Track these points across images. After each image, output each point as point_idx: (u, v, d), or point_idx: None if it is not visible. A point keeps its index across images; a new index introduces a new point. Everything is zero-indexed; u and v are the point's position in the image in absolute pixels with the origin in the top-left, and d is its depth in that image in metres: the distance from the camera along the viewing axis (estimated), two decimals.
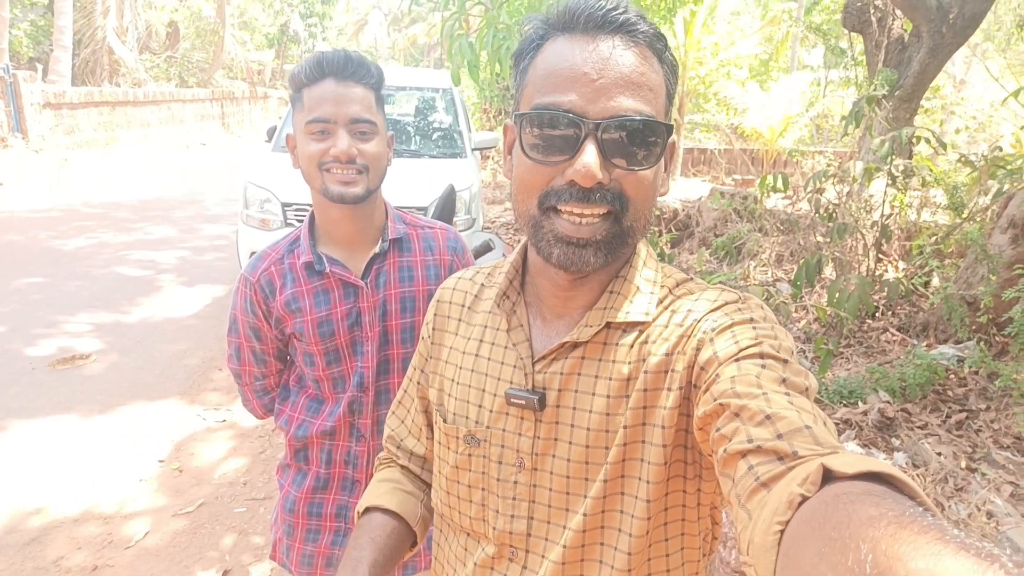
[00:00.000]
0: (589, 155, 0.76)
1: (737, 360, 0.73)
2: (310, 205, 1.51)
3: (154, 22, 22.28)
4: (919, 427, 3.66)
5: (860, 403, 3.78)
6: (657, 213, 7.78)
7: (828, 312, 4.62)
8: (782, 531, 0.53)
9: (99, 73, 19.26)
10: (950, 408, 3.83)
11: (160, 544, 2.97)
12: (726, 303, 0.83)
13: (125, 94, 17.54)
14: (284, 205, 5.09)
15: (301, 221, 1.56)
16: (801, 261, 4.61)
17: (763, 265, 6.23)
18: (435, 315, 1.05)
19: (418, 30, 37.12)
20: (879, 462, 0.53)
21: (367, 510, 1.03)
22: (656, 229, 7.47)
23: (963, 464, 3.32)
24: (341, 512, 1.56)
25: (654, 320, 0.86)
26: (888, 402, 3.74)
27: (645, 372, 0.83)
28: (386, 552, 0.97)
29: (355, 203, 1.41)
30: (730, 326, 0.78)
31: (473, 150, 6.45)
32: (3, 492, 3.28)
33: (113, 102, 16.80)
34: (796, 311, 5.23)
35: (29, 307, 5.70)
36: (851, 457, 0.55)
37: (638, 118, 0.78)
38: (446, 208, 2.75)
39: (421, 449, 1.09)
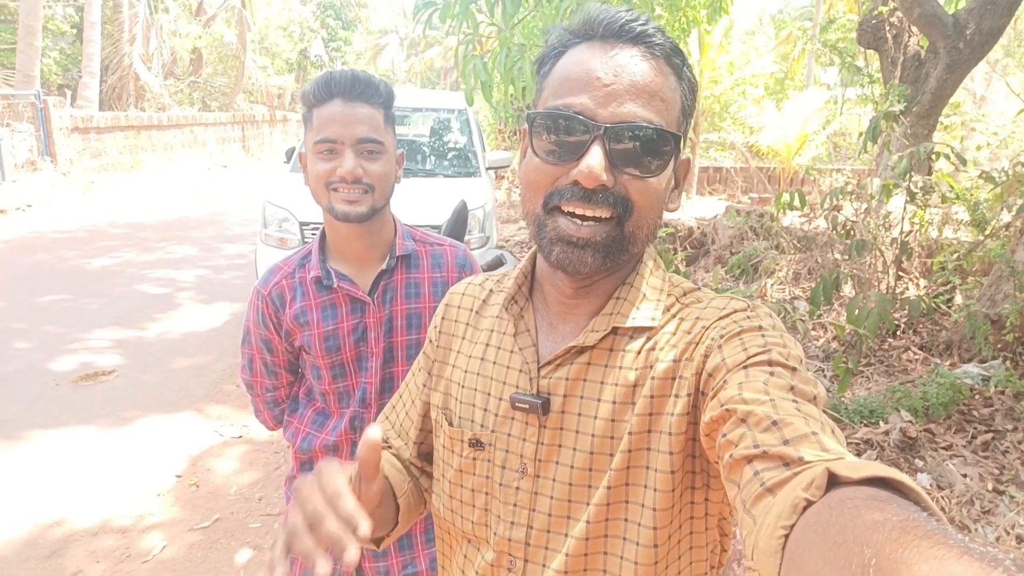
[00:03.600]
0: (594, 157, 0.77)
1: (745, 367, 0.73)
2: None
3: (178, 49, 22.77)
4: (943, 448, 3.59)
5: (882, 423, 3.72)
6: (672, 231, 7.77)
7: (847, 330, 4.57)
8: (787, 536, 0.53)
9: (125, 98, 19.70)
10: (975, 429, 3.76)
11: (176, 558, 2.98)
12: (735, 311, 0.83)
13: (150, 118, 17.91)
14: (302, 224, 5.15)
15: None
16: (819, 279, 4.57)
17: (780, 283, 6.18)
18: (443, 319, 1.05)
19: (434, 54, 37.64)
20: (884, 467, 0.53)
21: None
22: (671, 247, 7.45)
23: (990, 486, 3.25)
24: None
25: (662, 327, 0.86)
26: (911, 422, 3.67)
27: (652, 378, 0.83)
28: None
29: (360, 222, 1.42)
30: (738, 333, 0.78)
31: (487, 169, 6.51)
32: (26, 505, 3.32)
33: (138, 126, 17.16)
34: (814, 329, 5.18)
35: (54, 324, 5.79)
36: (856, 462, 0.55)
37: (647, 126, 0.79)
38: (458, 224, 2.77)
39: (406, 453, 1.06)
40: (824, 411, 0.70)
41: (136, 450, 3.88)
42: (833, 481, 0.54)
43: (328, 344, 1.47)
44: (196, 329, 5.87)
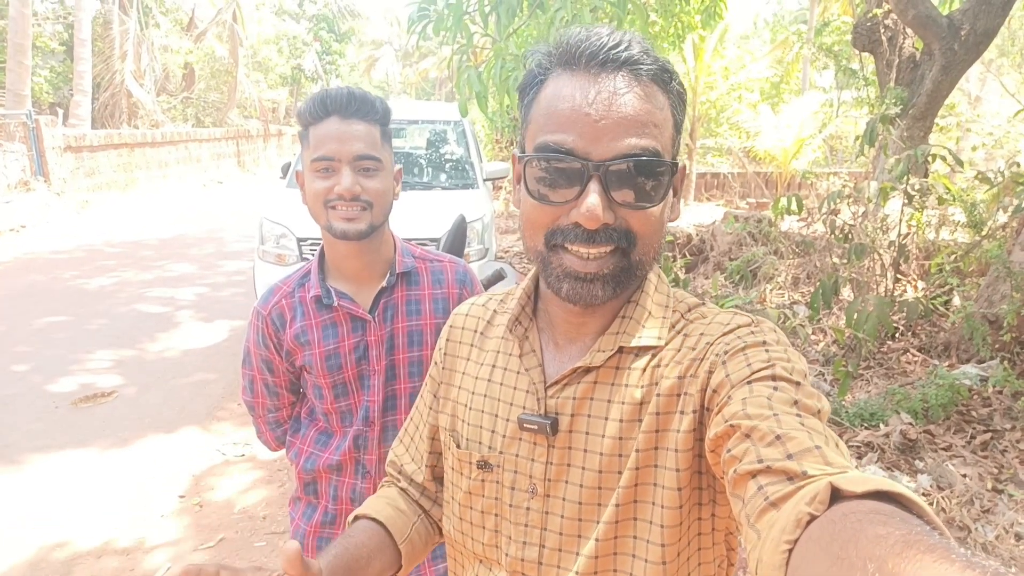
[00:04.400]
0: (593, 198, 0.77)
1: (749, 382, 0.73)
2: None
3: (170, 64, 22.77)
4: (943, 449, 3.60)
5: (882, 425, 3.73)
6: (671, 239, 7.78)
7: (846, 334, 4.58)
8: (790, 550, 0.53)
9: (118, 116, 19.67)
10: (974, 429, 3.77)
11: None
12: (739, 326, 0.83)
13: (143, 135, 17.90)
14: (300, 240, 5.15)
15: (311, 260, 1.57)
16: (818, 283, 4.58)
17: (779, 288, 6.20)
18: (447, 340, 1.06)
19: (428, 64, 37.75)
20: (887, 481, 0.54)
21: (355, 519, 1.01)
22: (670, 255, 7.46)
23: (989, 486, 3.26)
24: None
25: (667, 344, 0.86)
26: (910, 424, 3.68)
27: (658, 396, 0.83)
28: (357, 551, 0.93)
29: (359, 239, 1.41)
30: (743, 349, 0.78)
31: (485, 180, 6.51)
32: (28, 528, 3.30)
33: (132, 144, 17.14)
34: (814, 333, 5.19)
35: (52, 345, 5.78)
36: (859, 476, 0.55)
37: (643, 158, 0.78)
38: (456, 239, 2.76)
39: (420, 476, 1.07)
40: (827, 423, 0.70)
41: (138, 471, 3.86)
42: (836, 495, 0.54)
43: (329, 363, 1.46)
44: (196, 347, 5.86)
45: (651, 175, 0.79)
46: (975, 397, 4.02)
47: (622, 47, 0.79)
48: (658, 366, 0.85)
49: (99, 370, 5.29)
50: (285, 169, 6.52)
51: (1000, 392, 4.00)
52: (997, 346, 4.36)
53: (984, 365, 4.31)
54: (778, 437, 0.64)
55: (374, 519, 0.99)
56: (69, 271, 8.50)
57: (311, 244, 5.11)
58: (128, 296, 7.42)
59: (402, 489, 1.08)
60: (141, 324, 6.45)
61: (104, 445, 4.13)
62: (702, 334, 0.85)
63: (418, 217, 5.06)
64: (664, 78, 0.82)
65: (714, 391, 0.77)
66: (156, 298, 7.38)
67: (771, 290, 6.14)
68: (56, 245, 10.16)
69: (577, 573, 0.85)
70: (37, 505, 3.51)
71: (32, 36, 15.36)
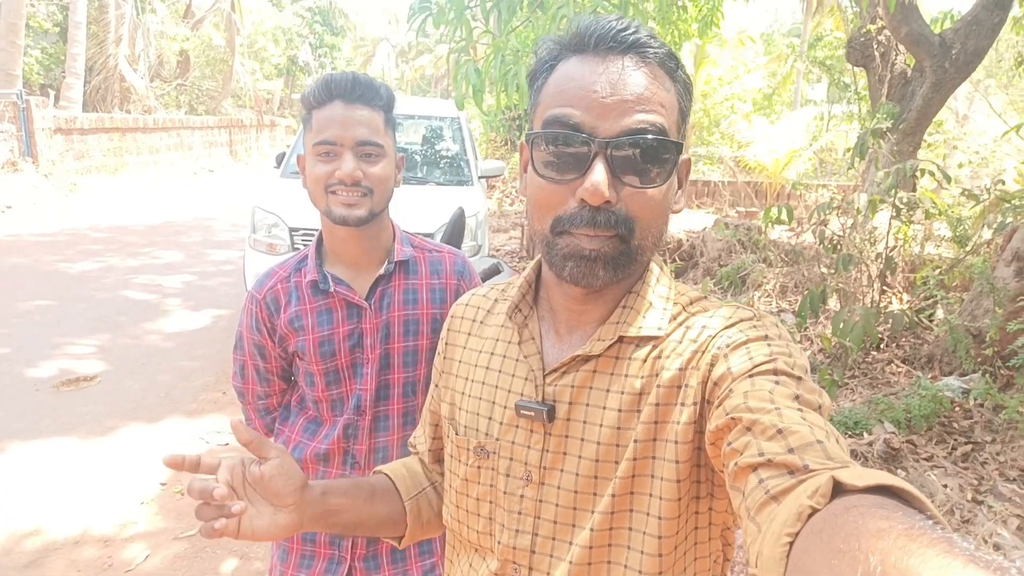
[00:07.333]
0: (598, 173, 0.77)
1: (751, 376, 0.73)
2: (317, 230, 1.51)
3: (165, 51, 22.61)
4: (925, 459, 3.63)
5: (865, 434, 3.76)
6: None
7: (832, 343, 4.61)
8: (791, 543, 0.52)
9: (110, 100, 19.50)
10: (956, 440, 3.81)
11: (160, 568, 2.94)
12: (741, 320, 0.83)
13: (135, 121, 17.71)
14: (292, 230, 5.13)
15: (308, 246, 1.55)
16: (806, 292, 4.61)
17: (767, 296, 6.23)
18: (448, 330, 1.06)
19: (425, 61, 37.72)
20: (890, 475, 0.53)
21: (374, 473, 1.09)
22: (661, 259, 7.49)
23: (969, 496, 3.29)
24: (334, 541, 1.53)
25: (668, 335, 0.86)
26: (893, 433, 3.71)
27: (658, 387, 0.83)
28: (359, 484, 1.02)
29: (358, 225, 1.40)
30: (744, 342, 0.78)
31: (479, 178, 6.51)
32: (4, 513, 3.26)
33: (123, 128, 16.95)
34: (801, 341, 5.22)
35: (34, 329, 5.72)
36: (862, 470, 0.55)
37: (648, 136, 0.78)
38: (455, 231, 2.75)
39: (427, 458, 1.12)
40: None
41: (120, 457, 3.83)
42: (838, 489, 0.54)
43: (323, 349, 1.45)
44: (181, 336, 5.82)
45: (656, 155, 0.80)
46: (957, 409, 4.06)
47: (630, 31, 0.81)
48: (659, 357, 0.85)
49: (82, 355, 5.24)
50: (279, 159, 6.49)
51: (981, 405, 4.05)
52: (979, 359, 4.40)
53: (966, 378, 4.36)
54: (779, 431, 0.64)
55: (385, 474, 1.07)
56: (54, 254, 8.41)
57: (303, 234, 5.09)
58: (114, 282, 7.35)
59: (421, 461, 1.13)
60: (126, 310, 6.39)
61: (85, 431, 4.09)
62: (704, 326, 0.85)
63: (411, 212, 5.05)
64: (670, 64, 0.84)
65: (715, 384, 0.77)
66: (142, 284, 7.32)
67: (759, 297, 6.18)
68: (42, 227, 10.06)
69: (571, 562, 0.84)
70: (15, 491, 3.47)
71: (26, 16, 15.19)
